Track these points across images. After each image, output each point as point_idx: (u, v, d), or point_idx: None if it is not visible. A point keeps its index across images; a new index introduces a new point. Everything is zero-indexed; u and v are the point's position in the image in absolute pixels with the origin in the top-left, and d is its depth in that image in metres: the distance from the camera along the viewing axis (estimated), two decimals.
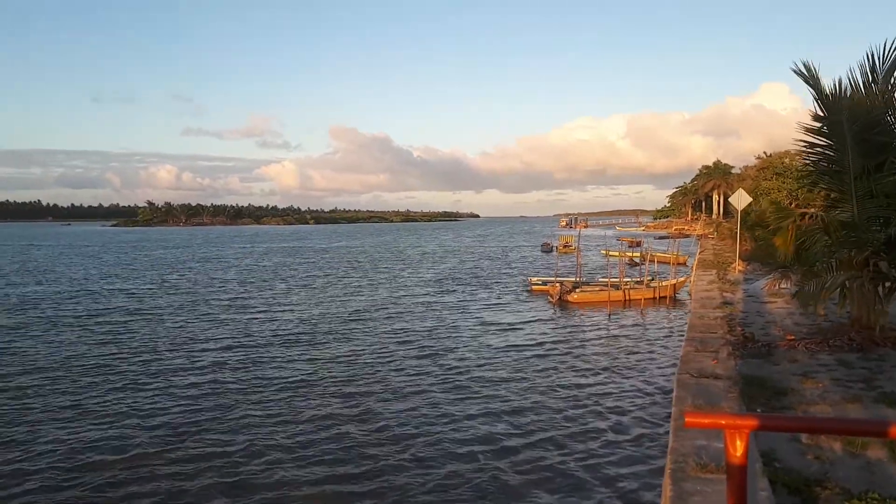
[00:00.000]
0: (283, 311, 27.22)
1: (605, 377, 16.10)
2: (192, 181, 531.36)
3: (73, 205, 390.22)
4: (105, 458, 10.89)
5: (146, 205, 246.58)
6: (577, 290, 29.83)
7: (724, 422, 2.46)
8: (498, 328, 22.93)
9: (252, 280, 40.81)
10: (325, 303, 29.39)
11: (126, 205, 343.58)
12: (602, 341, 20.73)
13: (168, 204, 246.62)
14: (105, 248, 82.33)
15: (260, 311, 26.96)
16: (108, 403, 14.02)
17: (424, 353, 18.86)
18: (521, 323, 24.09)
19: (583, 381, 15.71)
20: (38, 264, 55.97)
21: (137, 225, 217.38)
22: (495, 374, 16.39)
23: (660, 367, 17.02)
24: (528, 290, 33.63)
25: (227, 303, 29.82)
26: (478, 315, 25.82)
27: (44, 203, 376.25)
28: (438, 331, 22.32)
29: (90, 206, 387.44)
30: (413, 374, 16.36)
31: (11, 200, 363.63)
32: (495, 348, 19.54)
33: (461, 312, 26.51)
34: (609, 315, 25.72)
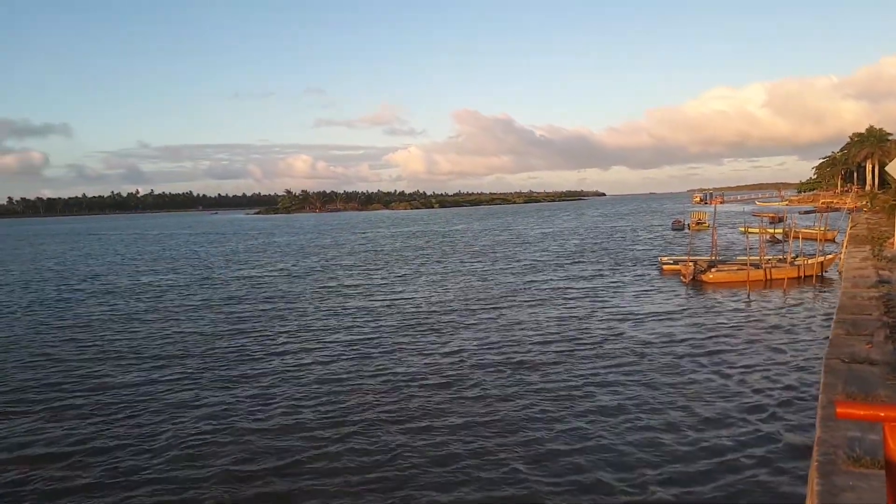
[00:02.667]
0: (407, 297, 27.73)
1: (745, 360, 15.20)
2: (325, 170, 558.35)
3: (219, 195, 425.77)
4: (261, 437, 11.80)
5: (285, 193, 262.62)
6: (713, 269, 28.28)
7: (883, 413, 2.25)
8: (626, 310, 22.18)
9: (376, 264, 42.15)
10: (451, 289, 29.59)
11: (267, 193, 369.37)
12: (741, 323, 19.53)
13: (304, 192, 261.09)
14: (254, 233, 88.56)
15: (385, 298, 27.28)
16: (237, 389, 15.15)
17: (555, 341, 17.78)
18: (651, 303, 23.24)
19: (720, 365, 14.92)
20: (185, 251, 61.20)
21: (277, 212, 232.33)
22: (624, 359, 15.81)
23: (804, 352, 15.81)
24: (658, 270, 32.38)
25: (351, 289, 31.00)
26: (605, 297, 25.09)
27: (194, 194, 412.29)
28: (566, 317, 21.34)
29: (234, 196, 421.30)
30: (550, 364, 15.54)
31: (168, 192, 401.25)
32: (625, 334, 18.80)
33: (588, 295, 25.63)
34: (748, 295, 24.17)
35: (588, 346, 17.11)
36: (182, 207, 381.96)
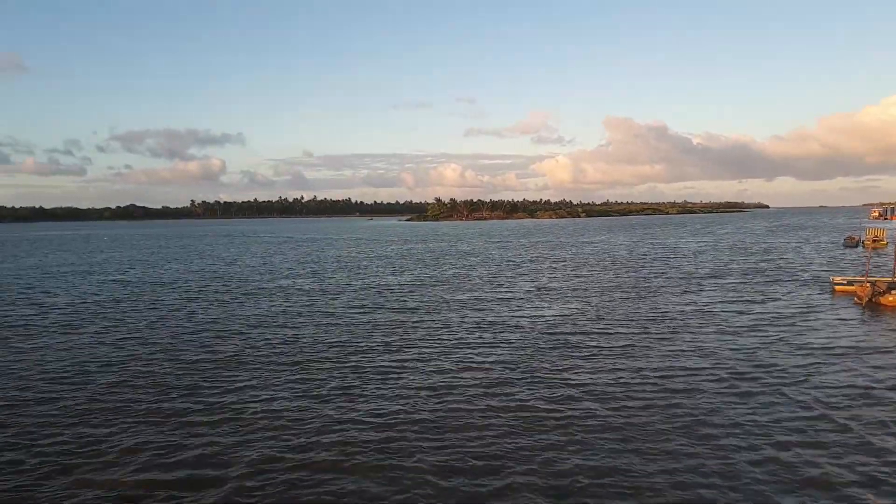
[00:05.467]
0: (550, 310, 27.37)
1: None
2: (473, 178, 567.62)
3: (374, 202, 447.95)
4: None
5: (434, 201, 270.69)
6: (895, 291, 25.14)
7: None
8: (793, 333, 20.37)
9: (508, 275, 41.96)
10: (595, 304, 28.83)
11: (418, 201, 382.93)
12: None
13: (452, 200, 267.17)
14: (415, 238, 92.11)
15: (523, 313, 27.02)
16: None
17: (724, 378, 15.48)
18: (822, 327, 21.14)
19: None
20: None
21: (426, 220, 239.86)
22: (793, 388, 14.50)
23: None
24: (829, 291, 29.36)
25: (495, 302, 31.03)
26: (773, 321, 22.77)
27: (353, 201, 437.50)
28: (732, 346, 19.43)
29: (388, 203, 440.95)
30: (714, 395, 14.76)
31: (328, 198, 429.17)
32: (794, 358, 17.23)
33: (753, 320, 23.16)
34: None
35: (762, 387, 14.57)
36: (341, 213, 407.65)
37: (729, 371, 15.72)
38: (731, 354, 17.44)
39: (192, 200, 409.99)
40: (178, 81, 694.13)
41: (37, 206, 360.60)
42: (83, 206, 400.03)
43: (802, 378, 15.05)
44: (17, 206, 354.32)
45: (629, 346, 18.75)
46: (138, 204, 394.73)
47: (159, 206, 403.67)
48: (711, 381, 14.94)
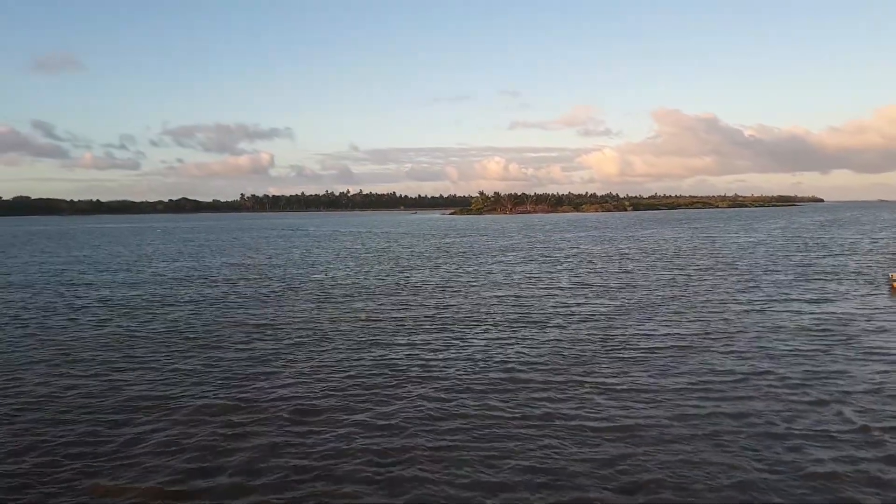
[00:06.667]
0: (596, 308, 26.96)
1: None
2: (517, 171, 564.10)
3: (419, 195, 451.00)
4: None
5: (478, 195, 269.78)
6: None
7: None
8: (854, 335, 19.54)
9: (553, 269, 41.57)
10: (644, 302, 28.19)
11: (461, 195, 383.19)
12: None
13: (497, 194, 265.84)
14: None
15: (578, 312, 26.88)
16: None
17: (786, 370, 15.57)
18: (888, 329, 20.25)
19: None
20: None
21: (470, 213, 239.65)
22: (862, 397, 14.00)
23: None
24: (888, 288, 28.29)
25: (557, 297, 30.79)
26: (828, 318, 22.06)
27: (397, 195, 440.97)
28: (786, 338, 19.32)
29: (432, 197, 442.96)
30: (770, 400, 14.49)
31: (373, 192, 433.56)
32: (858, 364, 16.57)
33: (807, 314, 22.78)
34: None
35: (828, 395, 14.21)
36: (386, 207, 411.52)
37: (791, 376, 15.02)
38: (792, 359, 16.53)
39: (241, 194, 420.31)
40: (228, 77, 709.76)
41: (94, 200, 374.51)
42: (137, 199, 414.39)
43: (873, 387, 14.15)
44: (76, 199, 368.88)
45: (683, 346, 18.20)
46: (190, 197, 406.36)
47: (210, 200, 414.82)
48: (777, 387, 14.19)
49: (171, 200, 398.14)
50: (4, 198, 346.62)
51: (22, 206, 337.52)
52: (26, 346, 19.65)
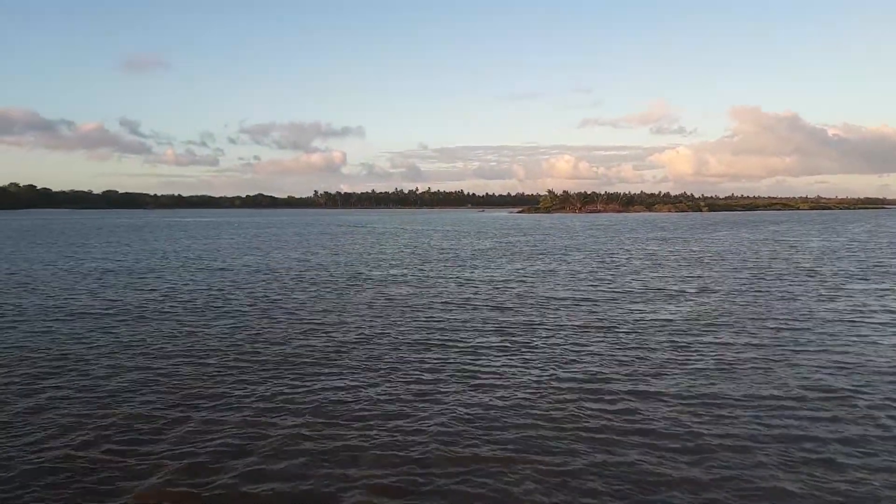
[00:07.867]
0: (667, 314, 25.68)
1: None
2: (587, 170, 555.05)
3: (486, 194, 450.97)
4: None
5: (546, 193, 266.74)
6: None
7: None
8: None
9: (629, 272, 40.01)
10: (720, 308, 26.63)
11: (529, 193, 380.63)
12: None
13: (565, 192, 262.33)
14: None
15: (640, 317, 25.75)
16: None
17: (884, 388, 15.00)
18: None
19: None
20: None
21: (538, 212, 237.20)
22: None
23: None
24: None
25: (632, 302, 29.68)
26: None
27: (465, 193, 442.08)
28: (884, 352, 17.85)
29: (499, 195, 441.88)
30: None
31: (441, 190, 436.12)
32: None
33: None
34: None
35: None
36: (453, 205, 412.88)
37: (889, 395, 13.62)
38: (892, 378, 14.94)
39: (315, 191, 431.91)
40: (303, 77, 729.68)
41: (176, 195, 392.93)
42: (216, 194, 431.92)
43: None
44: (159, 193, 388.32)
45: (763, 357, 16.75)
46: (265, 193, 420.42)
47: (285, 196, 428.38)
48: (872, 406, 12.90)
49: (248, 196, 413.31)
50: (95, 192, 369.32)
51: (111, 200, 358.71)
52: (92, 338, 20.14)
